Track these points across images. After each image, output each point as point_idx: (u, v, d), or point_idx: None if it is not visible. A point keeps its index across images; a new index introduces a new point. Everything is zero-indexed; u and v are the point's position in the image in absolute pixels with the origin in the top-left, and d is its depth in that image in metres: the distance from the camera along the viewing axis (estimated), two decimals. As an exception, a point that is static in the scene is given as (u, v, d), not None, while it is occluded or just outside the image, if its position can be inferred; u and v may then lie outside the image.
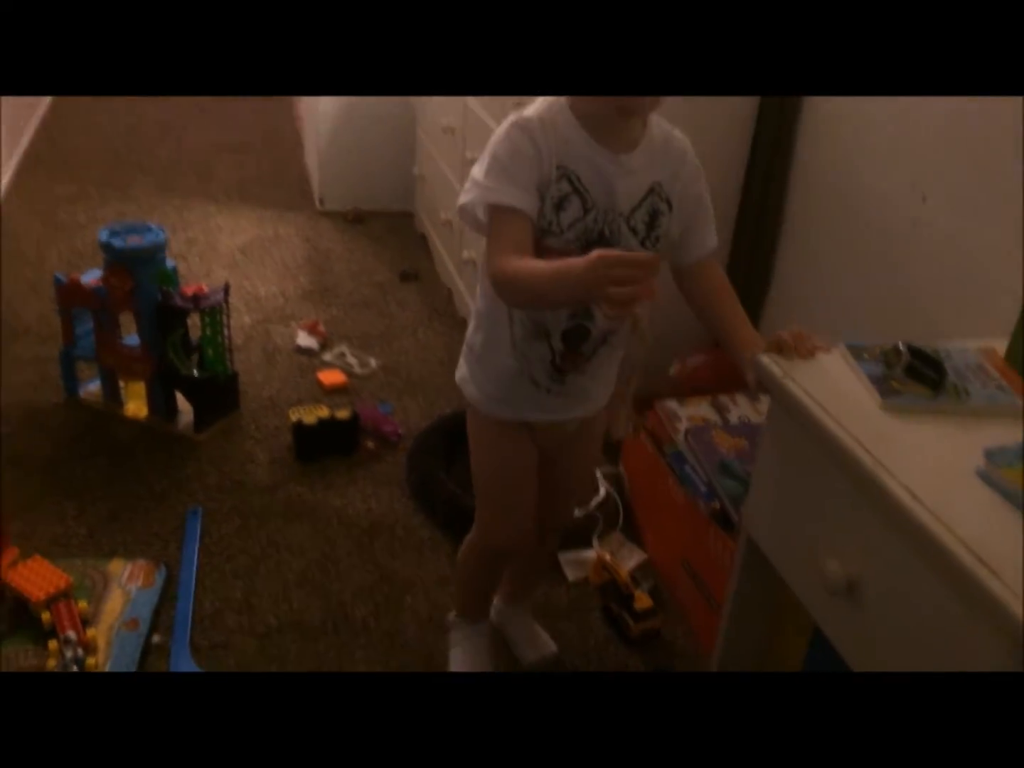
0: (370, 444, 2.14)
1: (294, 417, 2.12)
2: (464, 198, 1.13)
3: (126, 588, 1.69)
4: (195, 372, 2.12)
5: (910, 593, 0.88)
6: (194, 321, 2.11)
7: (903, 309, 1.64)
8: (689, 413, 1.81)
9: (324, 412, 2.14)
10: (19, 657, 1.53)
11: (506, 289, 1.11)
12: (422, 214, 3.26)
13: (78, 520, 1.87)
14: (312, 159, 3.61)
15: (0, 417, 2.13)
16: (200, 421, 2.14)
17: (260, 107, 4.69)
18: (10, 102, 3.60)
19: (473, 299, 1.30)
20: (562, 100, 1.13)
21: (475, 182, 1.12)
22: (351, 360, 2.50)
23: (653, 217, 1.16)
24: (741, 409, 1.84)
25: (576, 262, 0.98)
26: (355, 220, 3.40)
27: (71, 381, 2.22)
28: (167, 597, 1.69)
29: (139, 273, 2.03)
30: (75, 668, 1.48)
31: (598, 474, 1.97)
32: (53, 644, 1.51)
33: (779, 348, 1.08)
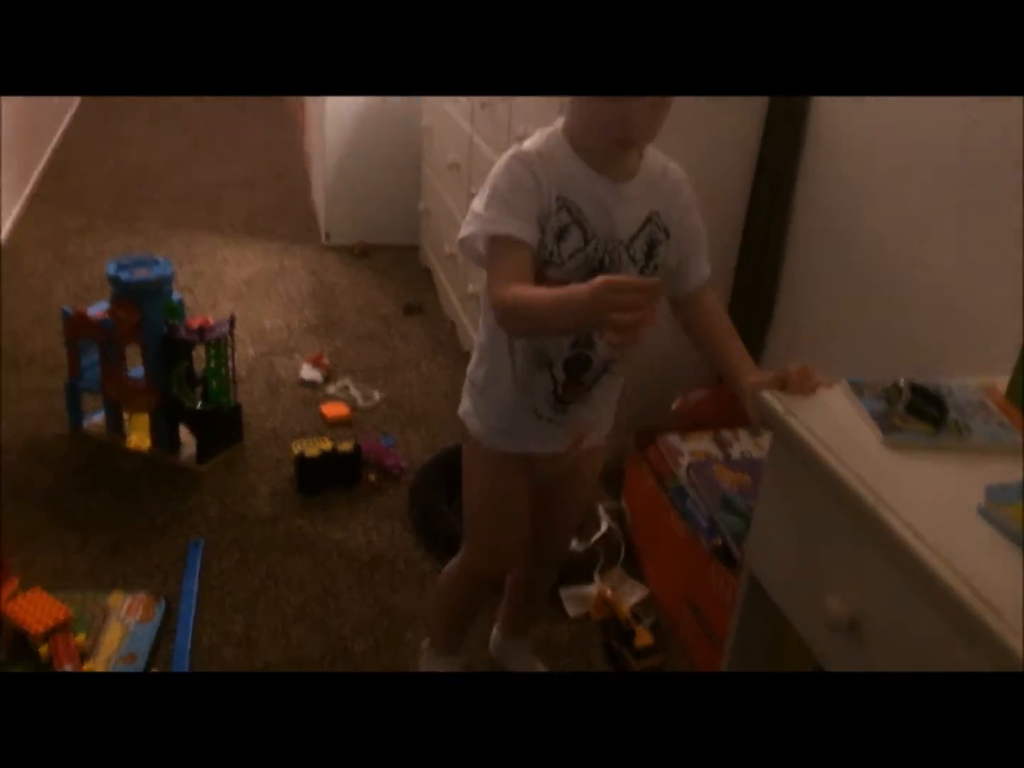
0: (372, 477, 2.13)
1: (296, 449, 2.12)
2: (465, 231, 1.14)
3: (125, 622, 1.68)
4: (199, 404, 2.12)
5: (912, 630, 0.87)
6: (199, 353, 2.13)
7: (904, 346, 1.65)
8: (691, 447, 1.81)
9: (327, 445, 2.14)
10: (16, 690, 1.52)
11: (508, 317, 1.12)
12: (427, 248, 3.29)
13: (79, 552, 1.87)
14: (319, 194, 3.65)
15: (3, 448, 2.14)
16: (203, 453, 2.15)
17: (268, 142, 4.76)
18: (21, 135, 3.65)
19: (477, 333, 1.31)
20: (559, 132, 1.14)
21: (475, 215, 1.13)
22: (354, 393, 2.51)
23: (651, 246, 1.17)
24: (743, 444, 1.83)
25: (579, 288, 0.98)
26: (361, 254, 3.42)
27: (75, 413, 2.23)
28: (166, 631, 1.68)
29: (146, 306, 2.04)
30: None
31: (600, 508, 1.96)
32: (51, 677, 1.50)
33: (782, 384, 1.08)
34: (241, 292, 3.08)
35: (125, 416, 2.22)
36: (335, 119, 3.31)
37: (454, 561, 1.46)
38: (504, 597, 1.61)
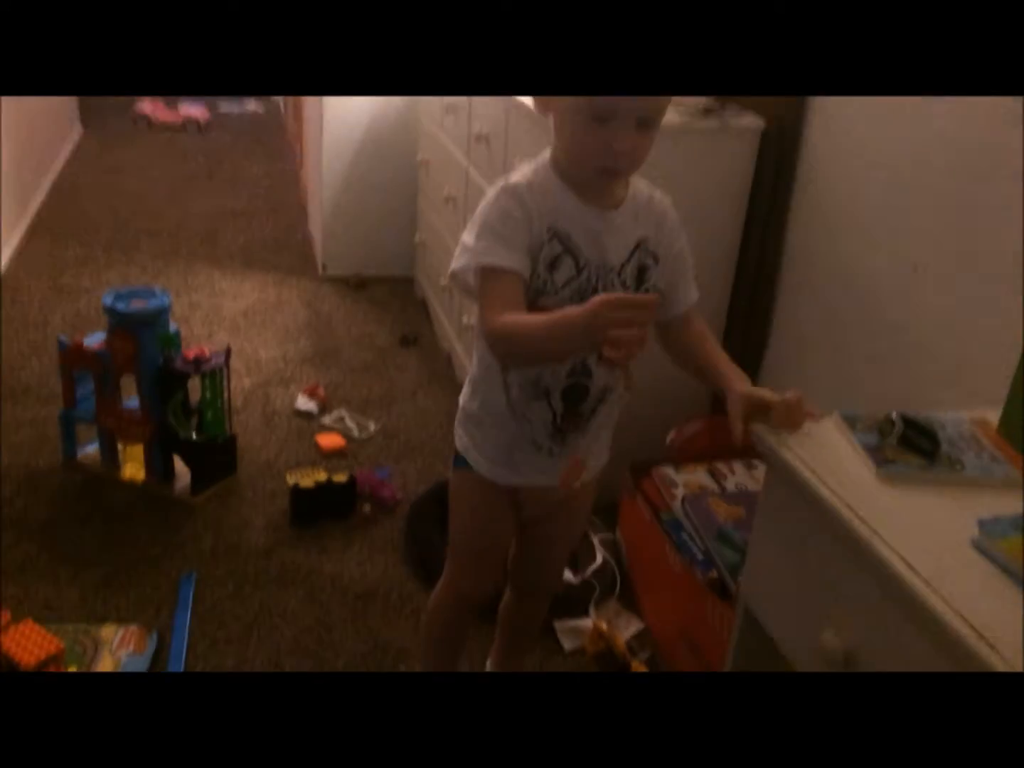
0: (367, 508, 2.13)
1: (291, 480, 2.12)
2: (456, 264, 1.15)
3: (117, 654, 1.67)
4: (193, 435, 2.12)
5: (906, 664, 0.87)
6: (194, 384, 2.13)
7: (896, 377, 1.66)
8: (685, 479, 1.81)
9: (321, 476, 2.14)
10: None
11: (501, 345, 1.12)
12: (423, 280, 3.31)
13: (71, 584, 1.85)
14: (316, 226, 3.67)
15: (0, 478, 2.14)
16: (197, 484, 2.14)
17: (266, 174, 4.80)
18: (21, 166, 3.68)
19: (470, 365, 1.32)
20: (547, 163, 1.16)
21: (466, 247, 1.14)
22: (350, 424, 2.51)
23: (642, 271, 1.19)
24: (738, 476, 1.84)
25: (575, 309, 1.00)
26: (357, 285, 3.44)
27: (70, 443, 2.23)
28: (158, 663, 1.67)
29: (142, 337, 2.05)
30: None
31: (595, 541, 1.96)
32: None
33: (767, 406, 1.07)
34: (238, 323, 3.08)
35: (120, 447, 2.22)
36: (333, 152, 3.35)
37: (438, 586, 1.47)
38: (497, 628, 1.60)
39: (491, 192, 1.15)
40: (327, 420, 2.52)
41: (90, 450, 2.26)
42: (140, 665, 1.64)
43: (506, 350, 1.14)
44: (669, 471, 1.84)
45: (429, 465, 2.35)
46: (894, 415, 1.07)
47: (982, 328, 1.46)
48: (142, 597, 1.84)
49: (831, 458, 1.04)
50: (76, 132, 5.15)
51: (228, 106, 6.29)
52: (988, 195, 1.44)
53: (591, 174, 1.12)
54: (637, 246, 1.18)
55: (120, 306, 2.05)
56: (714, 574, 1.62)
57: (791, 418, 1.06)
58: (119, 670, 1.63)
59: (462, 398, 1.32)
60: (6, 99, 3.42)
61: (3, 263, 3.32)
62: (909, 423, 1.06)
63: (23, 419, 2.40)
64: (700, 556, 1.66)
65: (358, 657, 1.73)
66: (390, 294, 3.42)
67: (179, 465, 2.19)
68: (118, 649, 1.68)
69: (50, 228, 3.80)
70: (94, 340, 2.15)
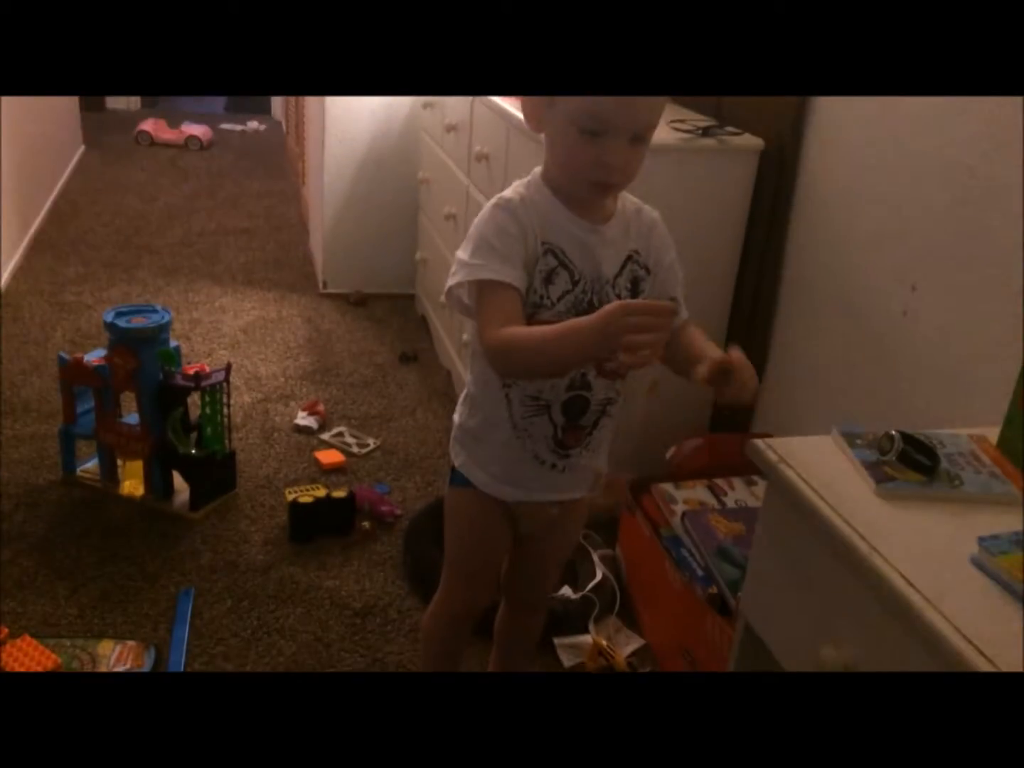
0: (366, 524, 2.13)
1: (290, 496, 2.12)
2: (452, 280, 1.15)
3: (114, 670, 1.66)
4: (193, 451, 2.12)
5: (908, 682, 0.87)
6: (194, 400, 2.13)
7: (894, 395, 1.66)
8: (685, 496, 1.82)
9: (321, 492, 2.14)
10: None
11: (504, 358, 1.12)
12: (423, 297, 3.32)
13: (69, 600, 1.85)
14: (317, 243, 3.69)
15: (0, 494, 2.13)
16: (196, 500, 2.14)
17: (267, 192, 4.82)
18: (23, 184, 3.70)
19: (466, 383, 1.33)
20: (539, 178, 1.17)
21: (462, 263, 1.14)
22: (349, 440, 2.51)
23: (635, 284, 1.19)
24: (738, 493, 1.84)
25: (585, 318, 1.01)
26: (357, 302, 3.45)
27: (69, 459, 2.23)
28: (155, 680, 1.66)
29: (143, 353, 2.05)
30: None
31: (594, 556, 1.95)
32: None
33: (725, 374, 1.04)
34: (238, 340, 3.09)
35: (119, 462, 2.22)
36: (334, 170, 3.37)
37: (433, 602, 1.47)
38: (493, 644, 1.60)
39: (485, 209, 1.16)
40: (327, 436, 2.52)
41: (89, 466, 2.26)
42: (138, 682, 1.64)
43: (509, 364, 1.13)
44: (669, 487, 1.84)
45: (428, 481, 2.35)
46: (893, 432, 1.07)
47: (981, 346, 1.47)
48: (140, 613, 1.83)
49: (831, 475, 1.04)
50: (78, 149, 5.18)
51: (230, 124, 6.34)
52: (986, 215, 1.45)
53: (585, 188, 1.12)
54: (628, 258, 1.19)
55: (121, 323, 2.05)
56: (714, 590, 1.62)
57: (744, 375, 1.05)
58: (116, 687, 1.62)
59: (459, 416, 1.32)
60: (9, 115, 3.44)
61: (4, 280, 3.33)
62: (908, 440, 1.07)
63: (23, 435, 2.40)
64: (700, 572, 1.66)
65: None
66: (390, 311, 3.43)
67: (178, 481, 2.19)
68: (116, 665, 1.67)
69: (51, 245, 3.82)
70: (94, 356, 2.16)
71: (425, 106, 3.14)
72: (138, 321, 2.07)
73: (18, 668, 1.56)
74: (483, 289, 1.12)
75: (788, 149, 1.94)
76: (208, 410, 2.11)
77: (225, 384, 2.12)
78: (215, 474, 2.18)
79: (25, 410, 2.53)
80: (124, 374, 2.06)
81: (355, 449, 2.47)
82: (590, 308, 1.14)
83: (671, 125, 1.98)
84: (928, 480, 1.04)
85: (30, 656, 1.59)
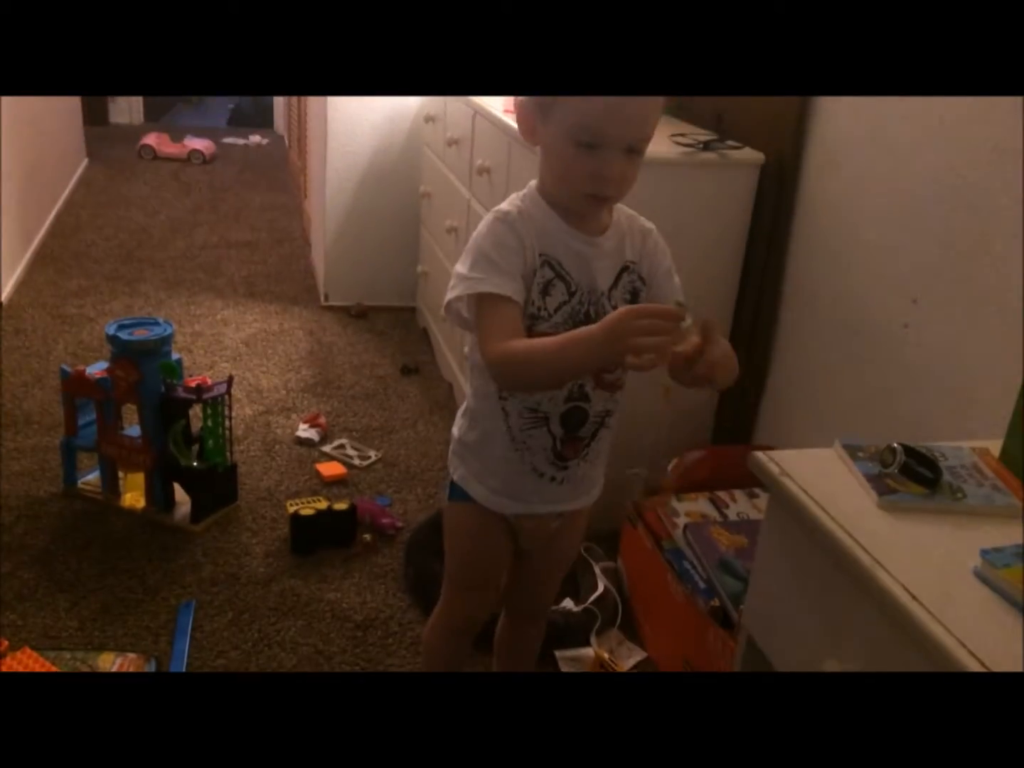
0: (367, 537, 2.12)
1: (291, 509, 2.12)
2: (451, 294, 1.16)
3: (114, 683, 1.65)
4: (194, 463, 2.12)
5: (911, 695, 0.87)
6: (195, 412, 2.14)
7: (896, 408, 1.66)
8: (687, 509, 1.81)
9: (322, 504, 2.13)
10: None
11: (507, 371, 1.12)
12: (424, 309, 3.32)
13: (70, 612, 1.84)
14: (318, 256, 3.70)
15: (0, 507, 2.13)
16: (197, 512, 2.14)
17: (269, 205, 4.84)
18: (26, 197, 3.72)
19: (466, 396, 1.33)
20: (534, 191, 1.18)
21: (461, 277, 1.14)
22: (351, 452, 2.51)
23: (633, 295, 1.20)
24: (740, 505, 1.83)
25: (589, 327, 1.02)
26: (359, 315, 3.46)
27: (70, 471, 2.23)
28: (156, 693, 1.65)
29: (145, 365, 2.06)
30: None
31: (596, 569, 1.95)
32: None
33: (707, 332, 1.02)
34: (240, 352, 3.10)
35: (120, 475, 2.22)
36: (336, 183, 3.38)
37: (433, 616, 1.47)
38: (494, 656, 1.60)
39: (483, 222, 1.16)
40: (328, 448, 2.52)
41: (91, 478, 2.25)
42: (138, 695, 1.63)
43: (512, 377, 1.14)
44: (671, 500, 1.84)
45: (430, 494, 2.35)
46: (895, 445, 1.07)
47: (982, 359, 1.47)
48: (140, 625, 1.83)
49: (833, 487, 1.04)
50: (81, 163, 5.20)
51: (232, 138, 6.37)
52: (986, 228, 1.45)
53: (580, 200, 1.13)
54: (623, 269, 1.19)
55: (123, 335, 2.06)
56: (716, 603, 1.61)
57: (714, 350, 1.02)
58: (117, 700, 1.61)
59: (457, 429, 1.32)
60: (13, 128, 3.46)
61: (7, 292, 3.34)
62: (910, 452, 1.07)
63: (24, 447, 2.40)
64: (702, 585, 1.66)
65: (357, 687, 1.72)
66: (392, 323, 3.43)
67: (180, 493, 2.18)
68: (116, 678, 1.67)
69: (54, 258, 3.83)
70: (96, 369, 2.16)
71: (427, 120, 3.15)
72: (140, 334, 2.07)
73: (18, 681, 1.55)
74: (482, 303, 1.13)
75: (789, 163, 1.94)
76: (210, 422, 2.11)
77: (227, 396, 2.12)
78: (216, 486, 2.18)
79: (27, 422, 2.53)
80: (126, 386, 2.06)
81: (356, 461, 2.47)
82: (587, 319, 1.15)
83: (672, 139, 1.99)
84: (930, 493, 1.04)
85: (30, 668, 1.58)
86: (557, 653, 1.79)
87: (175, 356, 2.14)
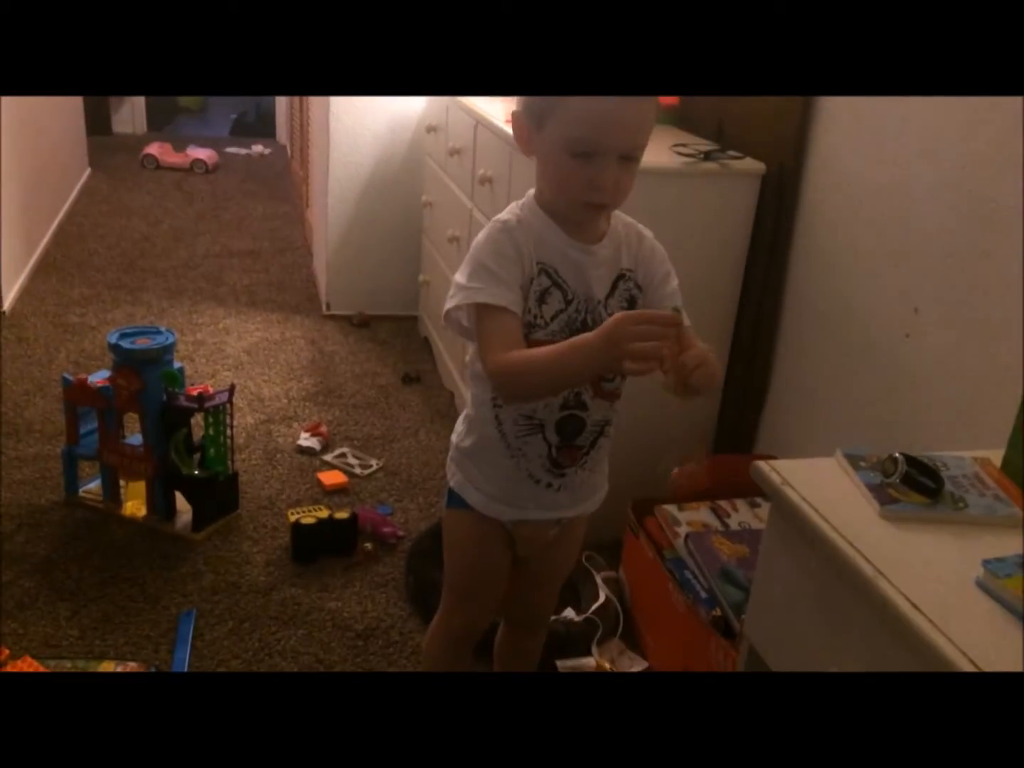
0: (368, 546, 2.12)
1: (293, 517, 2.12)
2: (450, 303, 1.16)
3: (115, 692, 1.65)
4: (196, 472, 2.12)
5: (913, 705, 0.87)
6: (197, 421, 2.14)
7: (897, 418, 1.66)
8: (688, 518, 1.81)
9: (323, 513, 2.13)
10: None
11: (508, 381, 1.13)
12: (426, 318, 3.33)
13: (70, 621, 1.84)
14: (320, 265, 3.71)
15: (1, 515, 2.13)
16: (199, 521, 2.14)
17: (271, 215, 4.85)
18: (29, 206, 3.73)
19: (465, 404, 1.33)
20: (532, 200, 1.18)
21: (460, 287, 1.15)
22: (352, 461, 2.51)
23: (630, 303, 1.20)
24: (741, 514, 1.83)
25: (587, 335, 1.04)
26: (361, 324, 3.46)
27: (72, 479, 2.23)
28: (156, 702, 1.65)
29: (146, 374, 2.06)
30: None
31: (597, 578, 1.95)
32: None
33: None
34: (241, 361, 3.10)
35: (121, 483, 2.22)
36: (338, 193, 3.39)
37: (433, 624, 1.46)
38: (494, 665, 1.59)
39: (483, 231, 1.17)
40: (329, 457, 2.52)
41: (92, 486, 2.25)
42: (138, 704, 1.63)
43: (513, 387, 1.14)
44: (672, 509, 1.84)
45: (431, 503, 2.35)
46: (897, 454, 1.07)
47: (984, 368, 1.47)
48: (141, 634, 1.82)
49: (835, 497, 1.04)
50: (84, 172, 5.21)
51: (235, 148, 6.38)
52: (988, 237, 1.46)
53: (577, 209, 1.14)
54: (620, 277, 1.20)
55: (125, 344, 2.06)
56: (717, 612, 1.61)
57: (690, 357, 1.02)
58: (117, 709, 1.61)
59: (456, 436, 1.33)
60: (16, 137, 3.47)
61: (9, 301, 3.35)
62: (912, 462, 1.07)
63: (26, 455, 2.41)
64: (703, 594, 1.66)
65: (358, 697, 1.71)
66: (393, 332, 3.44)
67: (181, 502, 2.18)
68: (116, 687, 1.66)
69: (56, 267, 3.84)
70: (98, 377, 2.16)
71: (428, 130, 3.17)
72: (142, 342, 2.08)
73: (19, 690, 1.55)
74: (482, 313, 1.13)
75: (790, 172, 1.95)
76: (211, 431, 2.11)
77: (228, 405, 2.12)
78: (218, 495, 2.17)
79: (28, 431, 2.53)
80: (128, 395, 2.07)
81: (358, 470, 2.47)
82: (583, 328, 1.15)
83: (673, 149, 1.99)
84: (932, 502, 1.04)
85: (31, 678, 1.58)
86: (558, 662, 1.79)
87: (177, 365, 2.15)
